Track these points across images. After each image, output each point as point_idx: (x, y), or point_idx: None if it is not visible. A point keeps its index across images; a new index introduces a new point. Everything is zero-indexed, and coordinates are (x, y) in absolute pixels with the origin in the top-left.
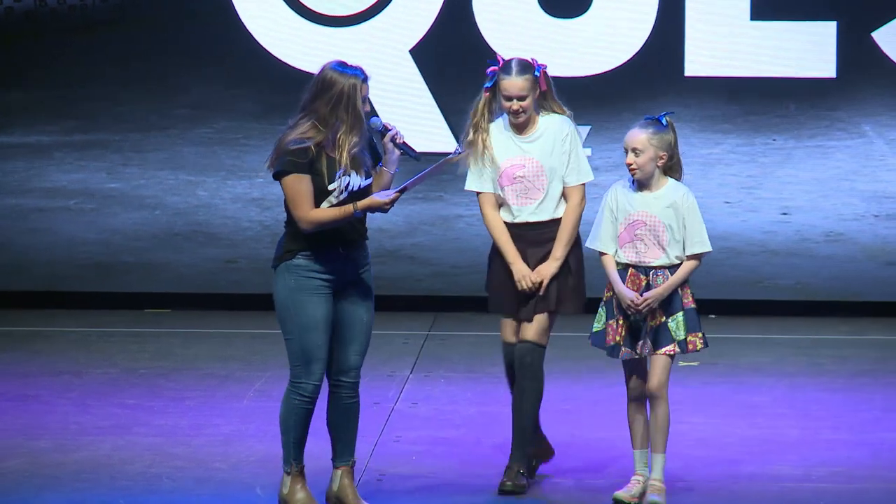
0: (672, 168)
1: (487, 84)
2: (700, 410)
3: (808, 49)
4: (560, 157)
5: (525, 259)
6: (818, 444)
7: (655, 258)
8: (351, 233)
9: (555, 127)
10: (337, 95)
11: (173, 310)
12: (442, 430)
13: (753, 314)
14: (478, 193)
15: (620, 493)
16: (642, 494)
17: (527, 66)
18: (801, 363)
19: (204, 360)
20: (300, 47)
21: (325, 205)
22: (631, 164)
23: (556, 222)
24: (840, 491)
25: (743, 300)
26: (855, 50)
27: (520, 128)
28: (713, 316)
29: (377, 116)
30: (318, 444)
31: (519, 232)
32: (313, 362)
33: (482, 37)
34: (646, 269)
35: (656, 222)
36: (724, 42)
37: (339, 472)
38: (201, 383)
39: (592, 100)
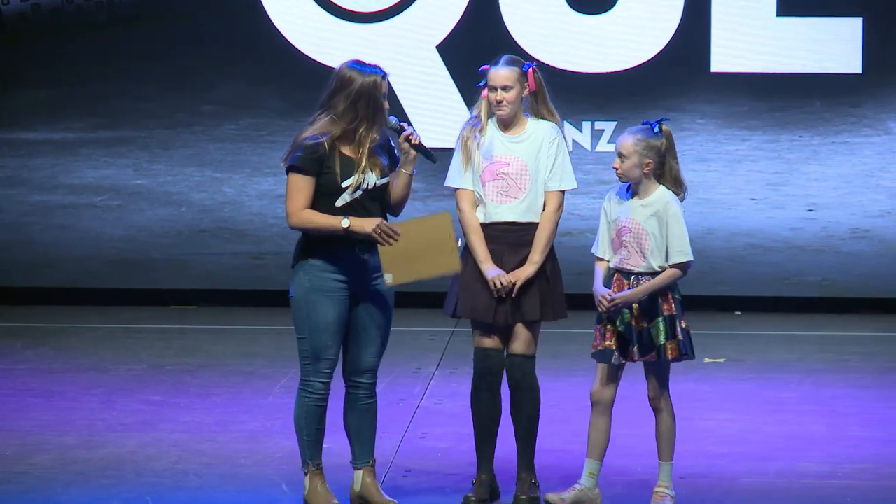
0: (663, 176)
1: (481, 83)
2: (726, 407)
3: (834, 45)
4: (546, 160)
5: (501, 263)
6: (844, 440)
7: (637, 265)
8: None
9: (543, 131)
10: (357, 91)
11: (199, 306)
12: (467, 427)
13: (779, 311)
14: (455, 190)
15: (551, 495)
16: (575, 502)
17: (515, 60)
18: (827, 360)
19: (230, 357)
20: (327, 43)
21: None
22: (616, 169)
23: (534, 226)
24: (866, 487)
25: (769, 297)
26: (881, 46)
27: (507, 126)
28: (739, 312)
29: (394, 116)
30: (340, 441)
31: (495, 233)
32: (322, 361)
33: (509, 33)
34: (628, 275)
35: (640, 230)
36: (750, 38)
37: (359, 472)
38: (227, 380)
39: (618, 96)
